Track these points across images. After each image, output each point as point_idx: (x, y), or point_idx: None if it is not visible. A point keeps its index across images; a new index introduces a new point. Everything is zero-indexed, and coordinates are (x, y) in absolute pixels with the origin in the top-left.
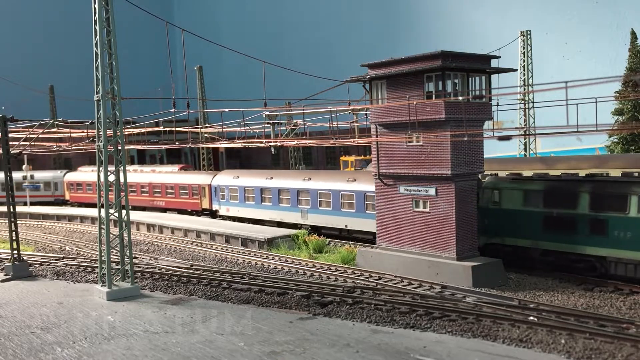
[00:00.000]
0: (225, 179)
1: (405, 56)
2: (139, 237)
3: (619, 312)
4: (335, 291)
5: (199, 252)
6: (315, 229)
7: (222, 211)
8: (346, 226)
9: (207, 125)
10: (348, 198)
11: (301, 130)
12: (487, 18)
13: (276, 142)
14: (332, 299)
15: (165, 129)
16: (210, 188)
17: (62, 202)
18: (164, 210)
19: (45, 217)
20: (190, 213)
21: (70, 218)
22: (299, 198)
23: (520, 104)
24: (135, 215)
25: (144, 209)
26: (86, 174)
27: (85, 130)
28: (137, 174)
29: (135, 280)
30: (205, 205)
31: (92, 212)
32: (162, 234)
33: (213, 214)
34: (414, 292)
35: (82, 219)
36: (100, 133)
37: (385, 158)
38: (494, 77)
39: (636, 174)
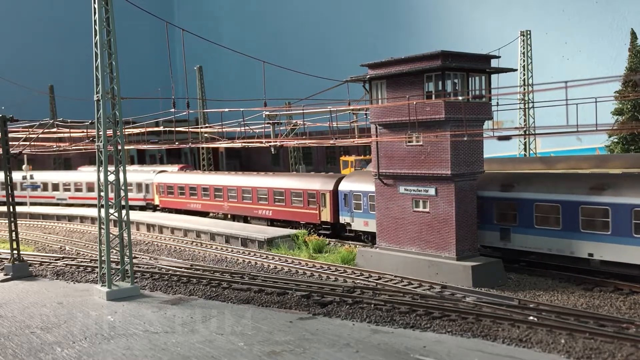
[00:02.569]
0: (361, 183)
1: (405, 56)
2: (139, 237)
3: (618, 312)
4: (335, 291)
5: (199, 252)
6: (522, 255)
7: (356, 225)
8: (591, 255)
9: (207, 125)
10: (596, 214)
11: (301, 130)
12: (487, 18)
13: (276, 142)
14: (332, 299)
15: (165, 129)
16: (333, 195)
17: (153, 208)
18: (270, 221)
19: (45, 217)
20: (305, 227)
21: (70, 218)
22: (497, 211)
23: (520, 104)
24: (137, 216)
25: (245, 219)
26: (178, 174)
27: (85, 130)
28: (236, 177)
29: (135, 280)
30: (326, 217)
31: (92, 212)
32: (162, 234)
33: (337, 229)
34: (414, 292)
35: (82, 219)
36: (100, 133)
37: (385, 158)
38: (493, 77)
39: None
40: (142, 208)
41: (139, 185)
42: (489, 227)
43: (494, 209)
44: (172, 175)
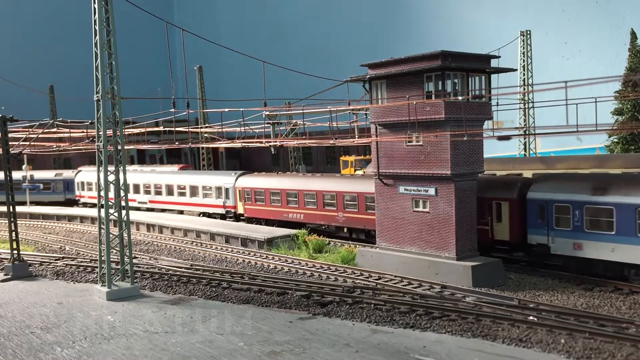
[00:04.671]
0: (567, 191)
1: (405, 56)
2: (139, 237)
3: (618, 312)
4: (335, 291)
5: (199, 252)
6: None
7: (559, 248)
8: None
9: (207, 125)
10: None
11: (301, 130)
12: (487, 18)
13: (276, 142)
14: (332, 298)
15: (165, 129)
16: (517, 205)
17: (235, 217)
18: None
19: (45, 217)
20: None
21: (70, 218)
22: None
23: (520, 103)
24: (136, 215)
25: (367, 233)
26: (268, 177)
27: (85, 130)
28: (354, 180)
29: (135, 280)
30: (503, 234)
31: (92, 212)
32: (162, 234)
33: (520, 250)
34: (414, 292)
35: (82, 219)
36: (100, 133)
37: (385, 158)
38: (493, 76)
39: (637, 174)
40: (222, 217)
41: (218, 189)
42: None
43: None
44: (261, 178)
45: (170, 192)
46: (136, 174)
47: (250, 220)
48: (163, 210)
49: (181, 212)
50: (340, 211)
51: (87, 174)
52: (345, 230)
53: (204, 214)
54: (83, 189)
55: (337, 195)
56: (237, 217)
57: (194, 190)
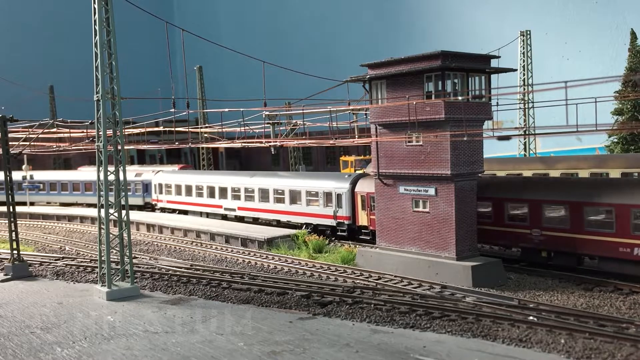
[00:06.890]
0: None
1: (405, 56)
2: (139, 237)
3: (618, 312)
4: (335, 291)
5: (199, 252)
6: None
7: None
8: None
9: (207, 125)
10: None
11: (301, 130)
12: (487, 18)
13: (276, 142)
14: (331, 299)
15: (165, 129)
16: None
17: (352, 232)
18: None
19: (45, 217)
20: None
21: (70, 218)
22: None
23: (520, 104)
24: (137, 216)
25: (580, 258)
26: None
27: (85, 130)
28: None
29: (135, 280)
30: None
31: (92, 212)
32: (162, 234)
33: None
34: (414, 292)
35: (82, 219)
36: (100, 133)
37: (385, 158)
38: (493, 77)
39: (636, 174)
40: (332, 230)
41: (327, 195)
42: None
43: None
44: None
45: (264, 197)
46: (223, 176)
47: (375, 234)
48: (255, 220)
49: (278, 222)
50: (536, 227)
51: (166, 175)
52: (543, 254)
53: (308, 226)
54: (161, 192)
55: (533, 205)
56: (352, 231)
57: (294, 196)
